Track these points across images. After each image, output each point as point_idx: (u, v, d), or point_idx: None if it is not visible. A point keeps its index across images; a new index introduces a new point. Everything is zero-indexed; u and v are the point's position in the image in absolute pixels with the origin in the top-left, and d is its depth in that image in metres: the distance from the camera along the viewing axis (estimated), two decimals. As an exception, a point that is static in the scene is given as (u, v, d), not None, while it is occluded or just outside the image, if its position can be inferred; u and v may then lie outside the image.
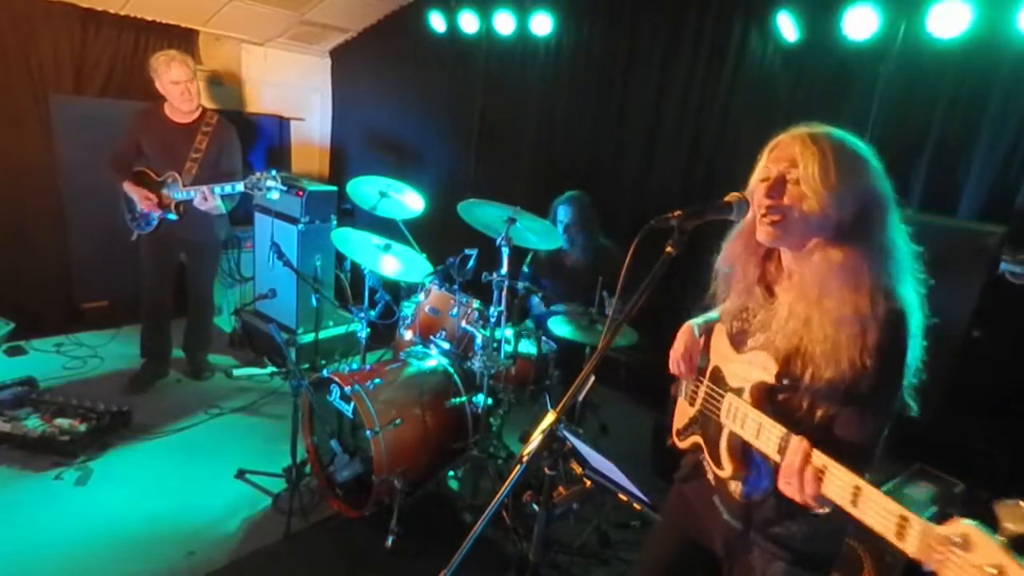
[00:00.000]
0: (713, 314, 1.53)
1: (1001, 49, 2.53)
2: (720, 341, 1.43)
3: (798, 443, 1.06)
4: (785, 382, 1.20)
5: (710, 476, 1.43)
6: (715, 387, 1.36)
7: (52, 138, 3.97)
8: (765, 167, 1.25)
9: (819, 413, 1.19)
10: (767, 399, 1.23)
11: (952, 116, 2.72)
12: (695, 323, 1.52)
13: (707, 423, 1.39)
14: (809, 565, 1.33)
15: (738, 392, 1.27)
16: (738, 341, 1.36)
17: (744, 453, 1.28)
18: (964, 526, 0.82)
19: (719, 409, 1.32)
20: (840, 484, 1.00)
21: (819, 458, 1.04)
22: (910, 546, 0.88)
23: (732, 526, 1.38)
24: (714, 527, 1.44)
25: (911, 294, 1.18)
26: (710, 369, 1.42)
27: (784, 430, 1.12)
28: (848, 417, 1.17)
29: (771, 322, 1.28)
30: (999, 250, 2.38)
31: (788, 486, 1.08)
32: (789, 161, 1.19)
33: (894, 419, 1.20)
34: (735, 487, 1.36)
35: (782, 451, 1.11)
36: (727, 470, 1.29)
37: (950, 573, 0.82)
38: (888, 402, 1.18)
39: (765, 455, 1.17)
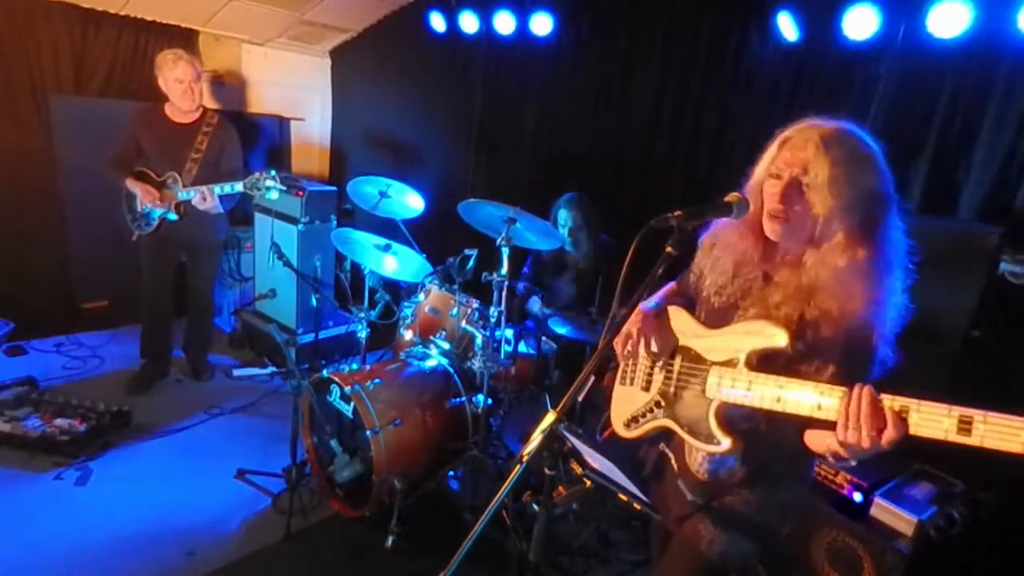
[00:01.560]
0: (663, 292, 1.55)
1: (1001, 49, 2.53)
2: (683, 321, 1.43)
3: (859, 388, 1.05)
4: (800, 346, 1.21)
5: (673, 462, 1.46)
6: (695, 365, 1.35)
7: (52, 138, 3.97)
8: (777, 166, 1.26)
9: (823, 376, 1.20)
10: (769, 365, 1.23)
11: (952, 116, 2.72)
12: (646, 304, 1.50)
13: (678, 404, 1.37)
14: (753, 535, 1.38)
15: (729, 364, 1.27)
16: (718, 318, 1.37)
17: (734, 424, 1.28)
18: None
19: (703, 385, 1.30)
20: (938, 420, 0.99)
21: (891, 400, 1.04)
22: None
23: (692, 502, 1.42)
24: (676, 507, 1.48)
25: (898, 283, 1.22)
26: (677, 349, 1.41)
27: (827, 385, 1.11)
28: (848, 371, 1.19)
29: (769, 296, 1.29)
30: (999, 250, 2.37)
31: (854, 432, 1.04)
32: (802, 167, 1.21)
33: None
34: (699, 466, 1.38)
35: (817, 405, 1.10)
36: (725, 444, 1.27)
37: None
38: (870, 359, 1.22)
39: (790, 416, 1.15)
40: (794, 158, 1.22)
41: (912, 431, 1.02)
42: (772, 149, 1.29)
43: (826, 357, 1.20)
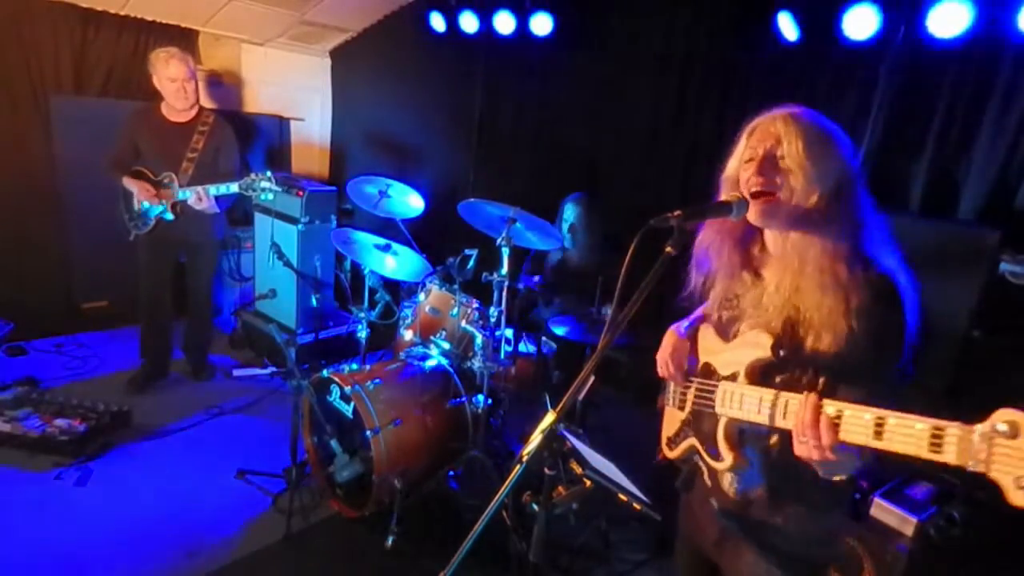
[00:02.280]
0: (697, 313, 1.52)
1: (1001, 49, 2.53)
2: (707, 337, 1.43)
3: (805, 398, 1.04)
4: (782, 353, 1.19)
5: (706, 477, 1.42)
6: (707, 381, 1.35)
7: (52, 138, 3.97)
8: (749, 148, 1.25)
9: (820, 386, 1.17)
10: (764, 376, 1.22)
11: (952, 116, 2.72)
12: (681, 326, 1.51)
13: (700, 421, 1.38)
14: (798, 569, 1.31)
15: (732, 378, 1.26)
16: (727, 330, 1.36)
17: (741, 442, 1.28)
18: (1008, 413, 0.80)
19: (713, 401, 1.30)
20: (860, 423, 0.96)
21: (831, 405, 1.01)
22: (948, 455, 0.86)
23: (726, 526, 1.38)
24: (709, 529, 1.44)
25: (891, 260, 1.18)
26: (700, 367, 1.41)
27: (774, 392, 1.11)
28: (848, 391, 1.14)
29: (760, 302, 1.28)
30: (999, 250, 2.37)
31: (803, 445, 1.04)
32: (774, 139, 1.20)
33: (899, 389, 1.16)
34: (729, 485, 1.35)
35: (783, 412, 1.10)
36: (727, 460, 1.27)
37: (1000, 467, 0.80)
38: (884, 370, 1.15)
39: (775, 427, 1.14)
40: (765, 134, 1.22)
41: (842, 437, 0.99)
42: (741, 141, 1.29)
43: (815, 366, 1.17)
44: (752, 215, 1.23)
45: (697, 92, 3.52)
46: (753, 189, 1.21)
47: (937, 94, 2.74)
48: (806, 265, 1.18)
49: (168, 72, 3.16)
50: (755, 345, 1.22)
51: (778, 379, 1.21)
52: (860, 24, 2.78)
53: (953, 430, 0.85)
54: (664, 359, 1.47)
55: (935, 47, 2.65)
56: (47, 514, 2.57)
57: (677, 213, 1.18)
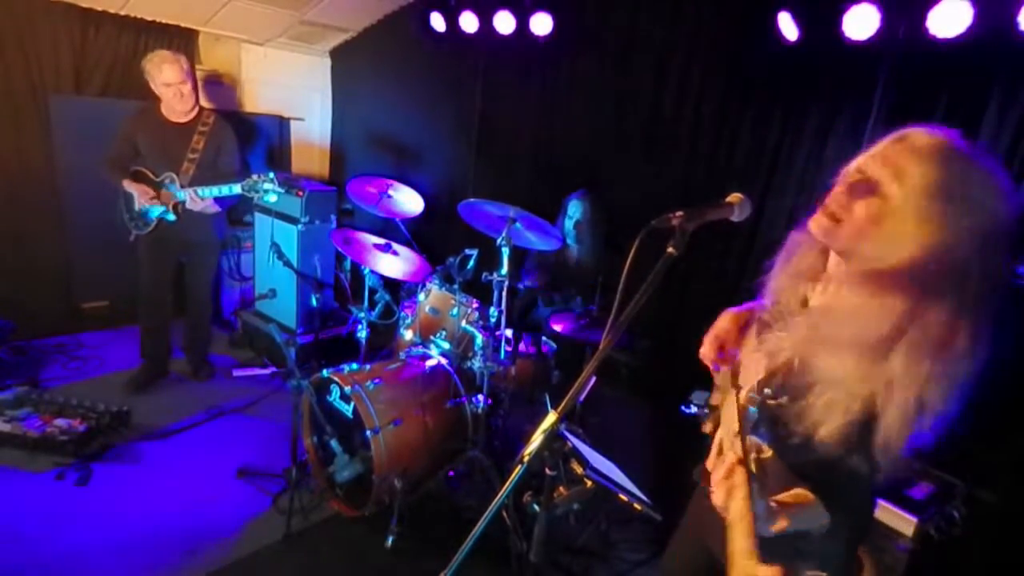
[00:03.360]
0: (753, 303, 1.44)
1: (1001, 49, 2.53)
2: (750, 333, 1.34)
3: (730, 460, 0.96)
4: (767, 391, 1.05)
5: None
6: (733, 379, 1.30)
7: (52, 138, 3.97)
8: (871, 157, 1.05)
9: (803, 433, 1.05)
10: (762, 403, 1.17)
11: (952, 116, 2.72)
12: (735, 310, 1.40)
13: (718, 415, 1.37)
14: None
15: (738, 389, 1.25)
16: (759, 334, 1.27)
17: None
18: None
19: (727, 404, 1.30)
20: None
21: (740, 476, 0.93)
22: None
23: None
24: (718, 527, 1.44)
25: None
26: (736, 362, 1.34)
27: (734, 432, 1.02)
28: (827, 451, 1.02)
29: (787, 328, 1.17)
30: (999, 250, 2.37)
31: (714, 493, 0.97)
32: (894, 170, 0.99)
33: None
34: None
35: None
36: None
37: None
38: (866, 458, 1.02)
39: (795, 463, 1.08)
40: (892, 157, 1.00)
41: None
42: (883, 141, 1.07)
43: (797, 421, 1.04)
44: (811, 223, 1.09)
45: (697, 92, 3.52)
46: (829, 202, 1.06)
47: (937, 94, 2.74)
48: (837, 340, 1.01)
49: (162, 77, 3.14)
50: (755, 373, 1.17)
51: (771, 405, 1.09)
52: (860, 23, 2.77)
53: None
54: (709, 339, 1.35)
55: (935, 47, 2.65)
56: (47, 514, 2.57)
57: (678, 214, 1.18)
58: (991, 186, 0.95)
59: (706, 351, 1.35)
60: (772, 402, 1.03)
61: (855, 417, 0.98)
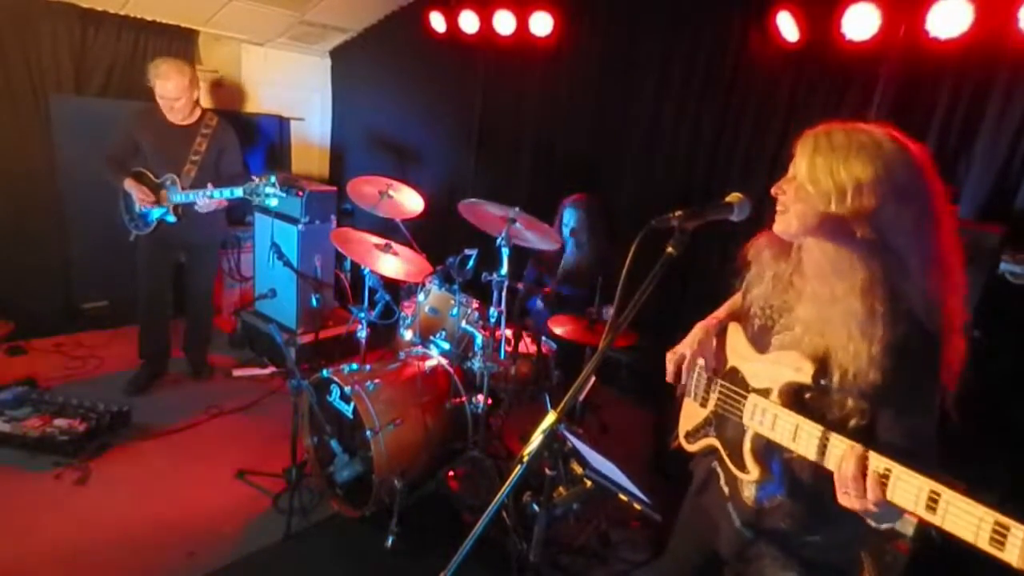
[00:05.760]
0: (720, 312, 1.50)
1: (1001, 49, 2.53)
2: (737, 340, 1.39)
3: (850, 449, 1.02)
4: (823, 382, 1.15)
5: (723, 483, 1.41)
6: (734, 388, 1.32)
7: (52, 138, 3.97)
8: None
9: (853, 416, 1.13)
10: (798, 399, 1.19)
11: (952, 116, 2.72)
12: (710, 322, 1.48)
13: (724, 425, 1.35)
14: (822, 574, 1.30)
15: (764, 393, 1.23)
16: (759, 340, 1.32)
17: (768, 456, 1.25)
18: None
19: (740, 411, 1.27)
20: (911, 488, 0.93)
21: (878, 461, 0.98)
22: (1010, 555, 0.80)
23: (744, 534, 1.36)
24: (726, 534, 1.42)
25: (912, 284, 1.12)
26: (727, 370, 1.38)
27: (822, 429, 1.08)
28: (888, 422, 1.12)
29: (795, 322, 1.23)
30: (999, 250, 2.38)
31: (846, 496, 1.01)
32: (795, 156, 1.19)
33: (935, 412, 1.15)
34: (748, 493, 1.33)
35: (822, 451, 1.07)
36: (753, 474, 1.25)
37: None
38: (921, 404, 1.13)
39: (803, 458, 1.12)
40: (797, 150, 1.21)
41: (888, 497, 0.96)
42: None
43: (852, 395, 1.12)
44: (774, 225, 1.24)
45: (698, 92, 3.52)
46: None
47: (937, 94, 2.74)
48: (836, 302, 1.14)
49: (158, 90, 3.14)
50: (793, 368, 1.18)
51: (808, 396, 1.18)
52: (860, 24, 2.78)
53: (1018, 531, 0.79)
54: (691, 350, 1.41)
55: (935, 47, 2.65)
56: (47, 514, 2.57)
57: (678, 213, 1.18)
58: (855, 144, 1.16)
59: (670, 369, 1.42)
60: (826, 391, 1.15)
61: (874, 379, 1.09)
